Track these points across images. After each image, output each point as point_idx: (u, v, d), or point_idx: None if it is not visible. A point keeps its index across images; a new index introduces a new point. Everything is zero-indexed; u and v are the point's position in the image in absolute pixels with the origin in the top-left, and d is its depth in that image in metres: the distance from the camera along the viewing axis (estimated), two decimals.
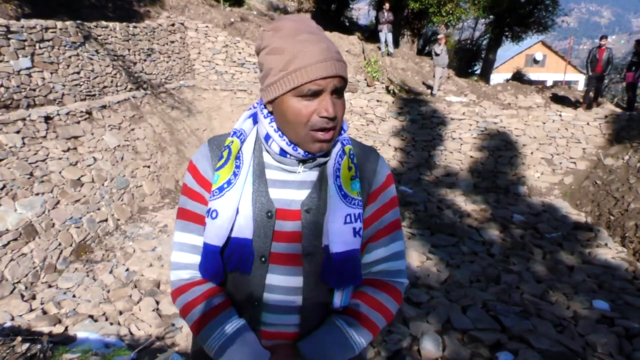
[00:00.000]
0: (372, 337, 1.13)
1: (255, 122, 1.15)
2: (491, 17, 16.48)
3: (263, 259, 1.09)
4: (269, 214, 1.08)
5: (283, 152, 1.07)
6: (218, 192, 1.08)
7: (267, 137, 1.09)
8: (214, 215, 1.07)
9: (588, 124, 10.37)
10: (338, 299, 1.12)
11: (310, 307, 1.12)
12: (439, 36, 12.37)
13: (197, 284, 1.13)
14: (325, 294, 1.13)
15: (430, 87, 12.67)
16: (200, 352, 1.15)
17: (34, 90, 7.20)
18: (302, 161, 1.09)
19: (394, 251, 1.19)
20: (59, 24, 7.90)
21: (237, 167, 1.09)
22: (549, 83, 22.45)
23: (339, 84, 1.00)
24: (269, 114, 1.10)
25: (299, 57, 0.98)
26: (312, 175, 1.12)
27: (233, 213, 1.07)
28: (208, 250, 1.09)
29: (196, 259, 1.14)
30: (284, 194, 1.10)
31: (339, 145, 1.14)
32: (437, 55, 11.64)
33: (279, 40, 1.01)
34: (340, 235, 1.08)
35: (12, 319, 4.68)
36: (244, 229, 1.08)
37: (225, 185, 1.07)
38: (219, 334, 1.06)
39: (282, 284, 1.10)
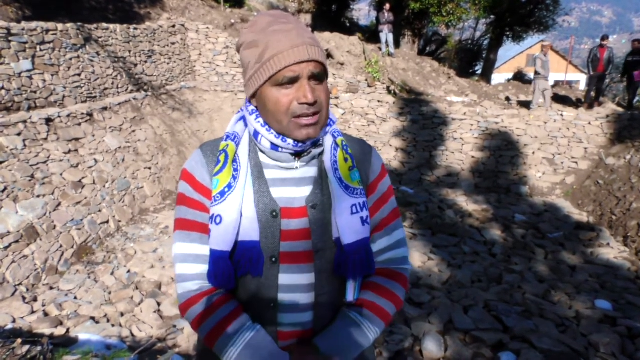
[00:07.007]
0: (385, 326, 1.15)
1: (246, 124, 1.15)
2: (492, 17, 16.46)
3: (273, 259, 1.08)
4: (274, 214, 1.08)
5: (274, 147, 1.07)
6: (220, 197, 1.06)
7: (256, 134, 1.08)
8: (218, 220, 1.06)
9: (590, 123, 10.34)
10: (351, 292, 1.13)
11: (324, 303, 1.12)
12: (544, 44, 10.99)
13: (206, 294, 1.10)
14: (337, 289, 1.14)
15: (526, 103, 11.53)
16: (206, 353, 1.14)
17: (35, 92, 7.21)
18: (297, 155, 1.09)
19: (397, 239, 1.21)
20: (60, 26, 7.91)
21: (236, 170, 1.08)
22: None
23: (315, 69, 1.00)
24: (254, 111, 1.10)
25: (271, 46, 0.99)
26: (311, 171, 1.12)
27: (237, 216, 1.06)
28: (216, 257, 1.06)
29: (202, 268, 1.10)
30: (285, 192, 1.10)
31: (331, 138, 1.14)
32: (541, 66, 10.55)
33: (253, 34, 1.03)
34: (349, 226, 1.09)
35: (14, 321, 4.68)
36: (250, 231, 1.07)
37: (227, 190, 1.06)
38: (235, 342, 1.04)
39: (295, 282, 1.09)
